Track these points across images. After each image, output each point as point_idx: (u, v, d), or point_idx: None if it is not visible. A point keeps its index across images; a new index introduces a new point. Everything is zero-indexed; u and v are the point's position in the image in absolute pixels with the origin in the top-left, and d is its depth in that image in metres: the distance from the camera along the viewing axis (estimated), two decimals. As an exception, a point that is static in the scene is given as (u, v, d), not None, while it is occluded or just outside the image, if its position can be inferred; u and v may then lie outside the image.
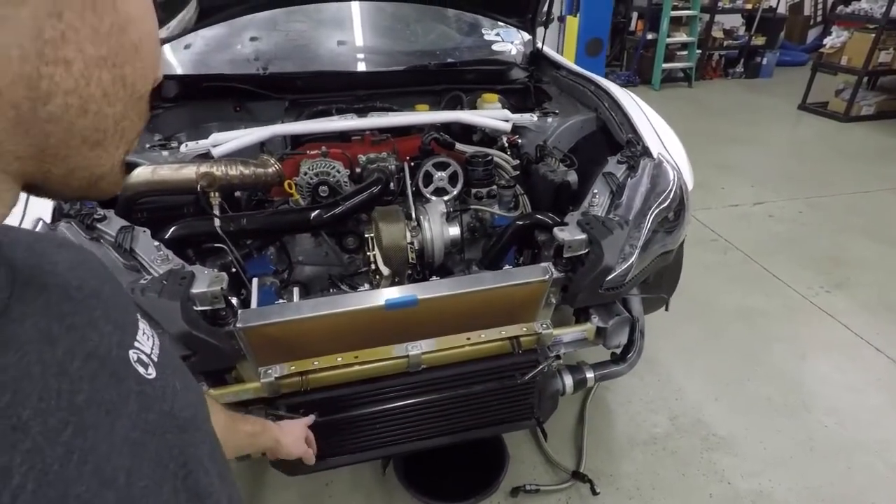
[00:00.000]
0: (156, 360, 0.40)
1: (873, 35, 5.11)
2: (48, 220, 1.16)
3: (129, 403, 0.34)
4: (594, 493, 1.71)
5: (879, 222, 3.42)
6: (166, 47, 2.07)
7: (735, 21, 7.44)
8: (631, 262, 1.26)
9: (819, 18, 8.48)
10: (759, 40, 7.34)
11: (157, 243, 1.17)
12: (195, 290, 1.08)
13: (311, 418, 1.09)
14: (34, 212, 1.19)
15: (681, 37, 6.71)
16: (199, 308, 1.09)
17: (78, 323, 0.34)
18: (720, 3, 6.87)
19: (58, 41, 0.28)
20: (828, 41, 5.65)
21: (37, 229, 1.14)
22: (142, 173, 1.35)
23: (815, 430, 1.97)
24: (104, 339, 0.36)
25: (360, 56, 2.31)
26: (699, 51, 6.89)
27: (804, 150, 4.84)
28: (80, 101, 0.30)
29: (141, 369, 0.38)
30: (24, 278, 0.33)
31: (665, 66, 6.69)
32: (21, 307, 0.31)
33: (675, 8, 6.40)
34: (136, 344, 0.39)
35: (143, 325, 0.42)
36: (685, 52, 6.88)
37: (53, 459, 0.27)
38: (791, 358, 2.31)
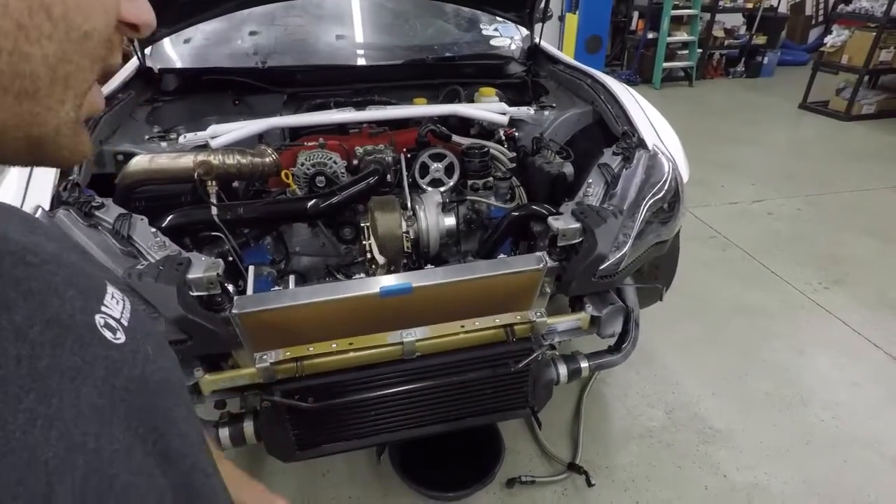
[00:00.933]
0: (126, 324, 0.39)
1: (874, 34, 5.10)
2: (47, 207, 1.17)
3: (95, 369, 0.33)
4: (589, 484, 1.72)
5: (879, 220, 3.42)
6: (166, 41, 2.09)
7: (736, 20, 7.45)
8: (625, 251, 1.26)
9: (821, 18, 8.48)
10: (760, 40, 7.34)
11: (154, 230, 1.18)
12: (191, 275, 1.09)
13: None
14: (33, 199, 1.20)
15: (681, 36, 6.72)
16: (196, 293, 1.10)
17: (35, 288, 0.33)
18: (721, 3, 6.87)
19: None
20: (828, 40, 5.65)
21: (36, 216, 1.15)
22: (139, 162, 1.36)
23: (812, 424, 1.97)
24: (66, 305, 0.34)
25: (359, 50, 2.32)
26: (700, 50, 6.90)
27: (804, 149, 4.84)
28: None
29: (108, 334, 0.36)
30: None
31: (666, 65, 6.70)
32: None
33: (675, 7, 6.40)
34: (104, 308, 0.38)
35: (111, 289, 0.40)
36: (686, 52, 6.88)
37: (16, 426, 0.26)
38: (789, 353, 2.31)
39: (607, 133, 1.67)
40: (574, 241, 1.27)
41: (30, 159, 0.32)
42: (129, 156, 1.48)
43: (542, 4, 2.16)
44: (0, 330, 0.28)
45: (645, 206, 1.34)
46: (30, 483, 0.25)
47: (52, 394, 0.29)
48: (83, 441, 0.29)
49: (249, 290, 1.29)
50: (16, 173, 1.25)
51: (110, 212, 1.20)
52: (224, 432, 1.25)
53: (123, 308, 0.40)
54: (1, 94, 0.27)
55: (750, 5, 7.15)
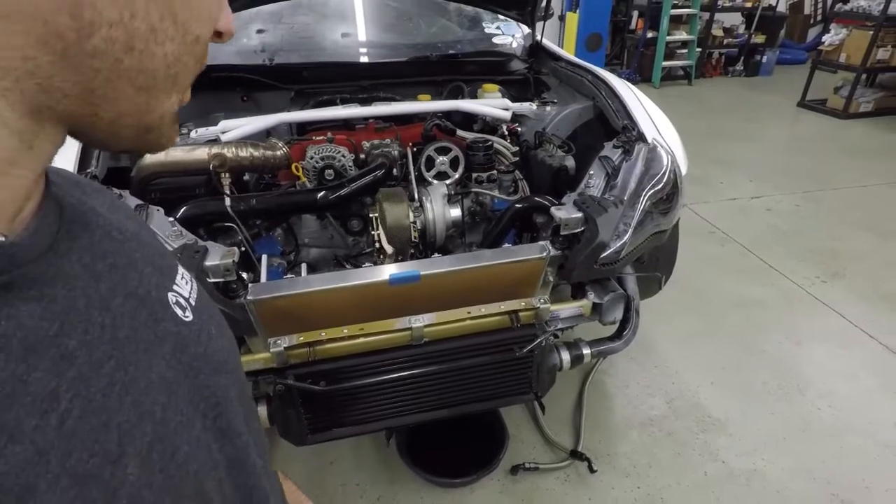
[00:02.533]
0: (193, 304, 0.41)
1: (871, 32, 5.14)
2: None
3: (165, 343, 0.35)
4: (591, 470, 1.76)
5: (876, 216, 3.46)
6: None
7: (735, 19, 7.49)
8: (625, 239, 1.31)
9: (819, 17, 8.52)
10: (759, 38, 7.38)
11: (171, 220, 1.22)
12: (208, 262, 1.13)
13: None
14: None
15: (681, 35, 6.76)
16: (212, 280, 1.14)
17: (119, 263, 0.35)
18: (720, 2, 6.91)
19: None
20: (826, 39, 5.69)
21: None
22: (155, 155, 1.40)
23: (809, 412, 2.01)
24: (144, 280, 0.37)
25: (364, 48, 2.36)
26: (699, 49, 6.94)
27: (803, 147, 4.88)
28: (125, 35, 0.29)
29: (179, 311, 0.39)
30: (70, 216, 0.34)
31: (665, 64, 6.74)
32: (68, 243, 0.32)
33: (675, 6, 6.44)
34: (175, 287, 0.40)
35: (181, 270, 0.43)
36: (685, 51, 6.92)
37: (97, 389, 0.28)
38: (787, 345, 2.35)
39: (608, 127, 1.71)
40: (576, 230, 1.31)
41: (131, 144, 0.35)
42: (143, 150, 1.52)
43: (544, 3, 2.20)
44: (89, 298, 0.31)
45: (644, 196, 1.38)
46: (105, 442, 0.27)
47: (129, 363, 0.31)
48: (152, 410, 0.31)
49: (263, 279, 1.33)
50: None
51: (128, 203, 1.24)
52: (238, 416, 1.29)
53: (192, 288, 0.43)
54: (126, 86, 0.30)
55: (749, 4, 7.19)
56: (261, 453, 0.45)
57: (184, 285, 0.42)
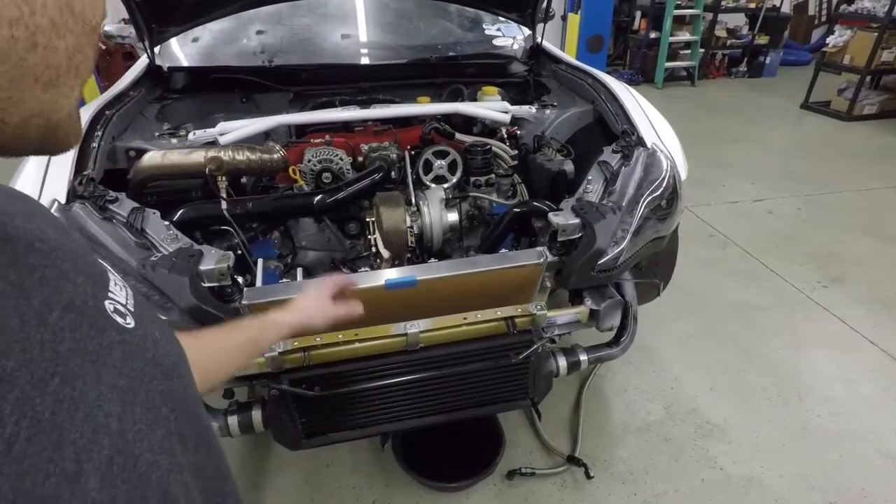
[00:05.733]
0: (132, 309, 0.40)
1: (876, 34, 5.12)
2: (63, 201, 1.21)
3: (113, 352, 0.34)
4: (588, 476, 1.75)
5: (879, 220, 3.44)
6: (174, 40, 2.12)
7: (739, 20, 7.46)
8: (623, 245, 1.30)
9: (823, 18, 8.48)
10: (763, 39, 7.35)
11: (166, 223, 1.22)
12: (203, 266, 1.13)
13: (331, 279, 0.95)
14: (49, 193, 1.24)
15: (684, 36, 6.73)
16: (207, 284, 1.14)
17: (49, 275, 0.33)
18: (724, 2, 6.88)
19: None
20: (831, 40, 5.66)
21: (52, 210, 1.19)
22: (152, 157, 1.40)
23: (809, 419, 2.00)
24: (78, 291, 0.35)
25: (364, 50, 2.35)
26: (702, 50, 6.91)
27: (805, 149, 4.86)
28: (26, 32, 0.27)
29: (119, 319, 0.37)
30: None
31: (668, 64, 6.72)
32: None
33: (678, 7, 6.42)
34: (111, 295, 0.39)
35: (113, 276, 0.41)
36: (688, 51, 6.90)
37: (44, 408, 0.27)
38: (786, 350, 2.34)
39: (607, 131, 1.71)
40: (574, 237, 1.30)
41: (39, 145, 0.33)
42: (140, 152, 1.52)
43: (545, 5, 2.19)
44: (22, 316, 0.29)
45: (643, 202, 1.37)
46: (60, 461, 0.26)
47: (75, 376, 0.30)
48: (107, 422, 0.30)
49: (258, 283, 1.32)
50: (32, 170, 1.29)
51: (124, 205, 1.24)
52: (233, 420, 1.29)
53: (127, 294, 0.41)
54: (33, 84, 0.29)
55: (753, 5, 7.16)
56: (222, 454, 0.44)
57: (118, 292, 0.40)
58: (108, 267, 0.42)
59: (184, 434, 0.38)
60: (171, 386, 0.39)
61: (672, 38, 6.54)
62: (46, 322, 0.30)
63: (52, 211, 1.18)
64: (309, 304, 0.89)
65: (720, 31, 7.17)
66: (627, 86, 1.85)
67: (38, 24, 0.28)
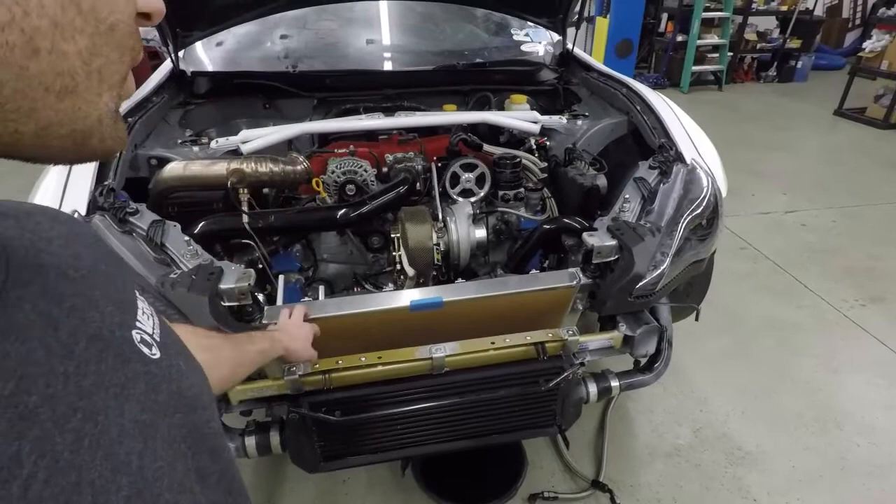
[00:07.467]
0: (158, 339, 0.39)
1: (916, 39, 4.92)
2: (83, 212, 1.18)
3: (137, 385, 0.33)
4: (613, 503, 1.68)
5: (919, 234, 3.29)
6: (198, 44, 2.10)
7: (769, 23, 7.24)
8: (662, 270, 1.23)
9: (858, 21, 8.20)
10: (795, 43, 7.12)
11: (187, 238, 1.18)
12: (223, 285, 1.09)
13: (314, 327, 1.11)
14: (69, 204, 1.21)
15: (712, 39, 6.56)
16: (227, 304, 1.10)
17: (78, 305, 0.33)
18: (754, 5, 6.69)
19: None
20: (867, 45, 5.47)
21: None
22: (174, 168, 1.37)
23: (848, 449, 1.90)
24: (106, 320, 0.34)
25: (388, 55, 2.30)
26: (731, 53, 6.73)
27: (840, 158, 4.68)
28: (23, 36, 0.25)
29: (145, 350, 0.36)
30: (18, 259, 0.31)
31: (695, 68, 6.54)
32: (18, 291, 0.30)
33: (706, 9, 6.26)
34: (138, 324, 0.38)
35: (141, 304, 0.40)
36: (716, 55, 6.72)
37: (64, 447, 0.26)
38: (823, 373, 2.23)
39: (642, 145, 1.63)
40: (609, 259, 1.23)
41: (76, 154, 0.31)
42: (162, 160, 1.49)
43: (577, 8, 2.11)
44: (49, 348, 0.28)
45: (683, 223, 1.30)
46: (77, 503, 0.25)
47: (98, 411, 0.29)
48: (127, 461, 0.29)
49: (279, 300, 1.28)
50: (53, 179, 1.27)
51: (144, 218, 1.21)
52: (250, 441, 1.25)
53: (154, 324, 0.40)
54: (44, 94, 0.27)
55: (784, 8, 6.94)
56: (242, 491, 0.44)
57: (146, 321, 0.39)
58: (139, 293, 0.41)
59: (204, 470, 0.37)
60: (194, 420, 0.39)
61: (700, 42, 6.38)
62: (72, 353, 0.30)
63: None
64: (300, 336, 1.04)
65: (750, 35, 6.97)
66: (663, 96, 1.77)
67: (35, 25, 0.25)
